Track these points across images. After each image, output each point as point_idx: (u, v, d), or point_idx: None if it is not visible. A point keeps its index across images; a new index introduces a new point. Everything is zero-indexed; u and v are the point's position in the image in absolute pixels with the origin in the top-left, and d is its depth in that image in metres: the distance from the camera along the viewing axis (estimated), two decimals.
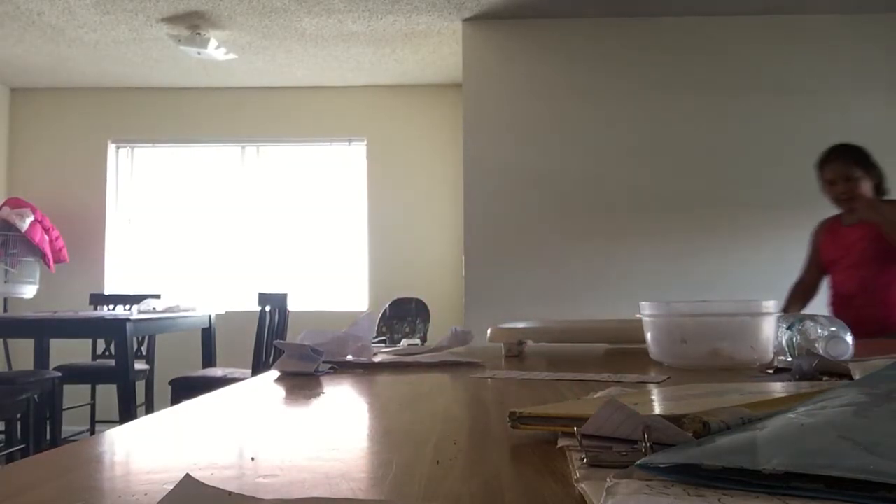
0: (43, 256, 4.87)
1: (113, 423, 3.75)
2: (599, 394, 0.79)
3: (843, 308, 2.61)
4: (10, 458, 3.32)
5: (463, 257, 4.17)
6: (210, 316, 4.37)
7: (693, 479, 0.40)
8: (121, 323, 3.34)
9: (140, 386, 4.23)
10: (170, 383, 3.69)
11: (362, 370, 1.22)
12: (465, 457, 0.54)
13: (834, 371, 0.90)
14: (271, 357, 3.65)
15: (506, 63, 4.22)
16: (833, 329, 1.12)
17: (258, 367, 3.55)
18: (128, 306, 4.27)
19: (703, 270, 4.02)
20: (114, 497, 0.46)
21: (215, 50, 4.33)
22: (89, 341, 4.58)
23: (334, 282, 5.39)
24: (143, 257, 5.45)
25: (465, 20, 4.18)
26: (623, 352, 1.52)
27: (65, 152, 5.38)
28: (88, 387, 4.63)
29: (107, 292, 5.13)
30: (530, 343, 1.53)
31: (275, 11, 4.02)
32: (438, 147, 5.29)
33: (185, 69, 4.97)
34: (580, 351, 1.56)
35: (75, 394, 4.48)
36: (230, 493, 0.38)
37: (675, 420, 0.47)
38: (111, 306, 4.53)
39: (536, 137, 4.16)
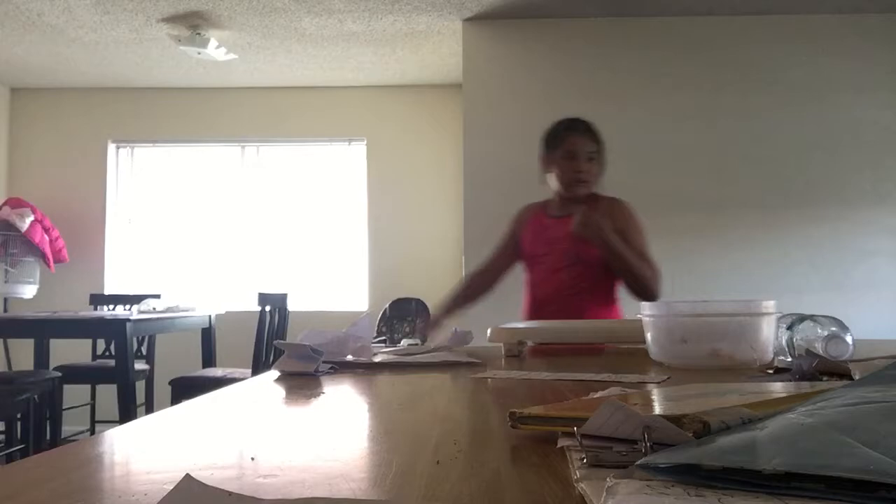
0: (43, 256, 4.88)
1: (113, 423, 3.75)
2: (599, 394, 0.79)
3: (535, 314, 2.20)
4: (10, 458, 3.32)
5: (463, 257, 4.17)
6: (210, 316, 4.37)
7: (693, 479, 0.40)
8: (121, 323, 3.34)
9: (140, 386, 4.23)
10: (170, 383, 3.69)
11: (362, 370, 1.22)
12: (465, 457, 0.54)
13: (834, 371, 0.90)
14: (271, 357, 3.65)
15: (506, 63, 4.22)
16: (833, 329, 1.12)
17: (258, 368, 3.55)
18: (128, 306, 4.27)
19: (704, 270, 4.02)
20: (114, 497, 0.46)
21: (215, 50, 4.33)
22: (89, 341, 4.58)
23: (334, 282, 5.39)
24: (142, 257, 5.45)
25: (465, 20, 4.18)
26: (623, 352, 1.52)
27: (65, 152, 5.38)
28: (88, 387, 4.62)
29: (107, 292, 5.13)
30: (530, 343, 1.53)
31: (275, 11, 4.02)
32: (438, 147, 5.29)
33: (185, 69, 4.97)
34: (580, 351, 1.56)
35: (75, 394, 4.48)
36: (230, 493, 0.38)
37: (675, 420, 0.47)
38: (111, 306, 4.53)
39: (536, 137, 4.14)
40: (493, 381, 1.05)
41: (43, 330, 3.74)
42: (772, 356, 1.17)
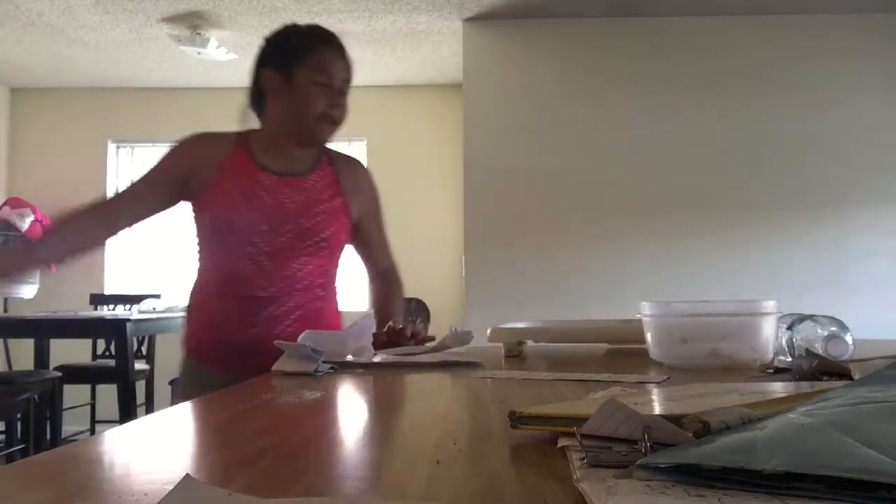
0: None
1: (113, 423, 3.75)
2: (599, 394, 0.79)
3: (226, 315, 1.54)
4: (10, 458, 3.32)
5: (463, 257, 4.17)
6: None
7: (693, 479, 0.40)
8: (121, 323, 3.34)
9: (140, 386, 4.23)
10: (170, 383, 3.69)
11: (362, 370, 1.22)
12: (465, 457, 0.54)
13: (834, 371, 0.90)
14: None
15: (506, 63, 4.22)
16: (833, 329, 1.12)
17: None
18: (128, 306, 4.27)
19: (704, 270, 4.02)
20: (114, 497, 0.45)
21: (215, 50, 4.33)
22: (89, 341, 4.57)
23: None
24: (143, 257, 5.45)
25: (466, 20, 4.18)
26: (623, 352, 1.52)
27: (65, 152, 5.38)
28: (88, 387, 4.62)
29: (107, 292, 5.13)
30: (530, 343, 1.53)
31: (275, 11, 4.02)
32: (438, 147, 5.29)
33: (185, 69, 4.97)
34: (580, 351, 1.56)
35: (75, 394, 4.47)
36: (230, 493, 0.38)
37: (675, 420, 0.47)
38: (111, 306, 4.53)
39: (536, 137, 4.16)
40: (493, 381, 1.05)
41: (43, 330, 3.75)
42: (772, 356, 1.17)
